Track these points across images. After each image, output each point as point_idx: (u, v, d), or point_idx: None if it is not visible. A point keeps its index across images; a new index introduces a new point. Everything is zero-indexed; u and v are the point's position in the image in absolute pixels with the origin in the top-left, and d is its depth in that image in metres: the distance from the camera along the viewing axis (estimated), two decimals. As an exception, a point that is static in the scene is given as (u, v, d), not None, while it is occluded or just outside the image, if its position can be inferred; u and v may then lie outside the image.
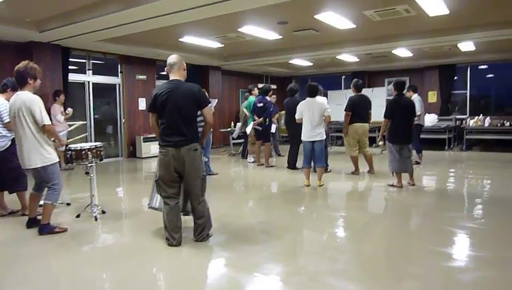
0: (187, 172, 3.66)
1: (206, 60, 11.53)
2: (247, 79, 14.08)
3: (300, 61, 12.61)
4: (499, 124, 10.85)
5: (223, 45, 9.53)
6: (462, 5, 6.83)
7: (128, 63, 10.49)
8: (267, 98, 8.44)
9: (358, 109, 7.08)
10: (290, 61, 12.44)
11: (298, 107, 6.32)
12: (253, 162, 9.11)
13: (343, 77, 15.05)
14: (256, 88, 9.21)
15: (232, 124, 10.93)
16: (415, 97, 8.18)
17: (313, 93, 6.28)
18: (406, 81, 9.36)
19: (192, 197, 3.80)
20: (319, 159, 6.37)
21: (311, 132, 6.21)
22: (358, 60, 12.26)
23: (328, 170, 7.62)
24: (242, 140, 10.08)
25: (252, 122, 8.49)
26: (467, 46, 10.22)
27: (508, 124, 10.68)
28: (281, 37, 8.72)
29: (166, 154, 3.65)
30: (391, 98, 6.20)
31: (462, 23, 8.14)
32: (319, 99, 6.56)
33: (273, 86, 14.20)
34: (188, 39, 8.82)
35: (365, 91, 11.20)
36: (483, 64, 12.80)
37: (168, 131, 3.65)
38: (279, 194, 6.22)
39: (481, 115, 11.32)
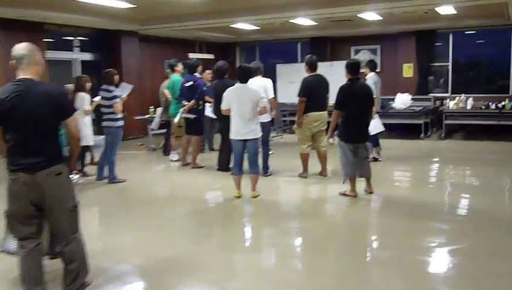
0: (49, 204, 3.39)
1: (116, 24, 11.17)
2: (175, 47, 13.77)
3: (244, 25, 12.49)
4: (483, 106, 11.20)
5: (135, 6, 9.15)
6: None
7: (7, 29, 9.84)
8: (196, 74, 8.33)
9: (315, 94, 7.10)
10: (232, 25, 12.29)
11: (225, 95, 6.21)
12: (176, 160, 9.05)
13: (299, 44, 15.12)
14: (180, 63, 9.03)
15: (152, 110, 10.59)
16: (370, 77, 8.28)
17: (244, 77, 6.18)
18: (364, 61, 9.48)
19: (59, 236, 3.54)
20: (253, 163, 6.32)
21: (242, 128, 6.13)
22: (316, 23, 12.22)
23: (268, 173, 7.65)
24: (164, 130, 9.81)
25: (181, 110, 8.30)
26: (446, 9, 10.39)
27: (493, 106, 11.03)
28: (207, -3, 8.50)
29: (16, 182, 3.35)
30: (344, 83, 6.18)
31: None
32: (254, 84, 6.53)
33: (209, 56, 14.15)
34: (86, -3, 8.43)
35: (322, 67, 11.53)
36: (469, 30, 13.16)
37: (18, 150, 3.34)
38: (199, 212, 6.11)
39: (462, 94, 11.61)
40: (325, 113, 7.28)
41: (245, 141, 6.18)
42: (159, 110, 9.87)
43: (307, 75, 7.26)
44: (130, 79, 12.05)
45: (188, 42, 14.33)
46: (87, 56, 11.94)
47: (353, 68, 6.17)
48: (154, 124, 9.88)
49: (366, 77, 8.21)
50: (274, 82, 12.39)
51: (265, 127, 7.19)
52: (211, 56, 14.33)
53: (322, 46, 14.18)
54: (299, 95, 7.12)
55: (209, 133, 9.89)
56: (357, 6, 9.60)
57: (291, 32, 13.58)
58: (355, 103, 6.05)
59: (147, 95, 12.65)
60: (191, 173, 8.17)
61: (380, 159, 8.62)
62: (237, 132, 6.17)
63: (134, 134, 12.38)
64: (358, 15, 10.91)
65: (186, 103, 8.18)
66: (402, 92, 11.92)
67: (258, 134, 6.24)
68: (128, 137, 11.97)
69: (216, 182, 7.42)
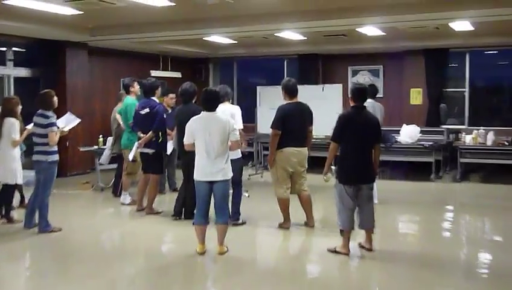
0: None
1: (59, 33, 11.08)
2: (134, 63, 13.73)
3: (218, 38, 12.55)
4: (507, 142, 11.21)
5: (81, 12, 9.10)
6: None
7: None
8: (155, 99, 8.29)
9: (292, 125, 7.11)
10: (205, 38, 12.36)
11: (188, 126, 6.15)
12: (129, 203, 8.98)
13: (286, 61, 15.22)
14: (136, 83, 9.02)
15: (101, 140, 10.45)
16: (369, 104, 8.22)
17: (210, 103, 6.11)
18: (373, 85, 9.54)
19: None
20: (221, 211, 6.21)
21: (209, 167, 6.04)
22: (305, 38, 12.29)
23: (240, 221, 7.56)
24: (115, 165, 9.72)
25: (136, 143, 8.27)
26: (461, 25, 10.48)
27: (518, 141, 11.07)
28: (172, 4, 8.44)
29: None
30: (345, 111, 6.32)
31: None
32: (222, 113, 6.55)
33: (175, 74, 14.18)
34: (18, 1, 8.30)
35: (311, 91, 11.61)
36: (489, 50, 13.31)
37: None
38: (153, 271, 5.91)
39: (481, 127, 11.62)
40: (304, 149, 7.26)
41: (212, 182, 6.07)
42: (110, 140, 9.79)
43: (284, 103, 7.31)
44: (76, 101, 12.12)
45: (150, 57, 14.33)
46: (23, 72, 11.79)
47: (359, 95, 6.17)
48: (104, 158, 9.78)
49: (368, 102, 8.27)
50: (254, 107, 12.68)
51: (237, 165, 7.17)
52: (177, 74, 14.41)
53: (312, 65, 14.31)
54: (272, 126, 7.13)
55: (169, 167, 9.73)
56: (354, 19, 9.61)
57: (276, 47, 13.65)
58: (357, 134, 6.04)
59: (96, 120, 12.50)
60: (145, 220, 8.08)
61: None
62: (202, 171, 6.06)
63: (79, 169, 12.26)
64: (356, 29, 10.99)
65: (142, 135, 8.10)
66: (409, 123, 11.92)
67: (228, 174, 6.13)
68: (71, 173, 11.96)
69: (176, 233, 7.33)
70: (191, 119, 6.15)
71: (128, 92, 9.02)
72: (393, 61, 13.77)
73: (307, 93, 11.82)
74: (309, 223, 7.43)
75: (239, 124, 7.29)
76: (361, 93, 6.20)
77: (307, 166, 7.36)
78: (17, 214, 7.90)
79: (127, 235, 7.57)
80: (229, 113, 7.18)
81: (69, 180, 11.25)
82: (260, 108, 12.33)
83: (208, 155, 5.99)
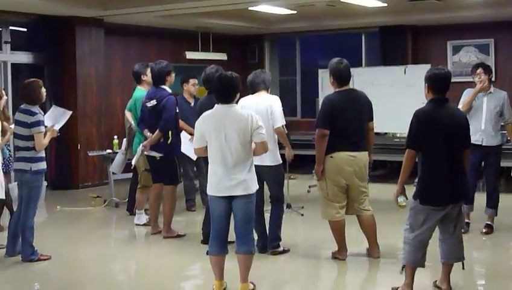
0: None
1: (65, 7, 11.31)
2: (165, 43, 14.01)
3: (270, 8, 12.51)
4: None
5: None
6: None
7: None
8: (165, 88, 8.40)
9: (345, 122, 7.03)
10: (251, 8, 12.40)
11: (197, 125, 6.13)
12: (145, 224, 9.11)
13: (363, 36, 15.21)
14: (149, 70, 9.04)
15: (116, 141, 10.70)
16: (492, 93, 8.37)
17: (224, 93, 6.03)
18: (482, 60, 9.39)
19: None
20: (244, 236, 6.08)
21: (226, 179, 5.95)
22: (385, 4, 12.14)
23: (280, 249, 7.50)
24: (130, 175, 9.94)
25: (141, 145, 8.40)
26: None
27: None
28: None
29: None
30: (423, 106, 6.08)
31: None
32: (257, 105, 6.91)
33: (220, 56, 14.24)
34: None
35: (392, 73, 12.01)
36: None
37: None
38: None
39: None
40: (363, 154, 7.11)
41: (230, 198, 5.99)
42: (124, 144, 9.95)
43: (331, 92, 7.28)
44: (90, 94, 12.34)
45: (185, 35, 14.53)
46: (22, 57, 12.11)
47: (438, 83, 5.96)
48: (115, 165, 9.96)
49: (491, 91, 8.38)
50: (315, 97, 12.53)
51: (275, 174, 7.34)
52: (222, 56, 14.51)
53: (398, 41, 14.24)
54: (317, 124, 7.07)
55: (200, 175, 9.86)
56: None
57: (348, 18, 13.71)
58: (442, 138, 5.85)
59: (116, 119, 12.68)
60: (163, 247, 8.13)
61: (467, 228, 8.31)
62: (218, 184, 5.98)
63: (94, 179, 12.54)
64: None
65: (149, 134, 8.19)
66: None
67: (253, 188, 6.01)
68: (84, 184, 12.22)
69: (197, 263, 7.31)
70: (201, 116, 6.11)
71: (139, 82, 9.15)
72: (508, 34, 13.54)
73: (384, 77, 11.88)
74: (372, 254, 7.29)
75: (278, 121, 7.32)
76: (443, 80, 5.95)
77: (368, 177, 7.20)
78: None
79: (135, 269, 7.65)
80: (265, 105, 7.26)
81: (80, 194, 11.66)
82: (322, 98, 12.18)
83: (224, 163, 5.89)
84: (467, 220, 8.33)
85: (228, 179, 5.90)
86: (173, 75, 8.52)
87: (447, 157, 5.85)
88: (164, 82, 8.32)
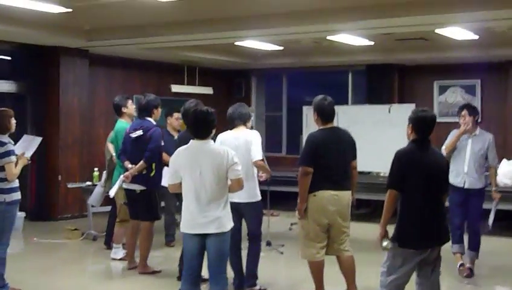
0: None
1: (49, 37, 11.36)
2: (151, 75, 14.06)
3: (256, 44, 12.59)
4: None
5: (69, 9, 9.28)
6: None
7: None
8: (151, 120, 8.41)
9: (328, 160, 6.97)
10: (237, 43, 12.51)
11: (171, 161, 6.11)
12: (121, 259, 9.04)
13: (351, 74, 15.29)
14: (130, 101, 9.16)
15: (96, 174, 10.67)
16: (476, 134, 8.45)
17: (200, 129, 6.02)
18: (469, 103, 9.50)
19: None
20: (217, 275, 6.01)
21: (200, 216, 5.90)
22: (372, 43, 12.22)
23: (257, 287, 7.40)
24: (109, 208, 9.91)
25: (121, 177, 8.35)
26: None
27: None
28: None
29: None
30: (404, 147, 6.04)
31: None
32: (235, 139, 7.00)
33: (205, 90, 14.25)
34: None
35: (374, 113, 11.95)
36: None
37: None
38: None
39: None
40: (346, 194, 7.02)
41: (204, 236, 5.92)
42: (104, 176, 9.92)
43: (315, 130, 7.21)
44: (72, 124, 12.36)
45: (171, 68, 14.60)
46: (5, 86, 12.04)
47: (423, 125, 5.91)
48: (93, 198, 9.88)
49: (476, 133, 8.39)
50: (300, 134, 12.48)
51: (254, 210, 7.31)
52: (208, 90, 14.56)
53: (385, 79, 14.28)
54: (301, 162, 6.99)
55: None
56: (430, 16, 9.43)
57: (334, 55, 13.76)
58: (423, 179, 5.78)
59: (97, 149, 12.52)
60: (137, 282, 8.06)
61: (471, 273, 8.36)
62: (190, 221, 5.92)
63: (74, 211, 12.45)
64: (436, 31, 10.79)
65: (131, 165, 8.15)
66: (508, 158, 11.75)
67: (227, 225, 5.95)
68: (63, 215, 12.08)
69: None
70: (176, 151, 6.06)
71: (120, 114, 9.08)
72: (494, 75, 13.63)
73: (368, 116, 11.86)
74: None
75: (257, 154, 7.29)
76: (428, 123, 5.90)
77: (349, 217, 7.10)
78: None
79: None
80: (244, 140, 7.24)
81: (59, 225, 11.53)
82: (307, 134, 12.13)
83: (197, 199, 5.84)
84: (469, 265, 8.38)
85: (202, 216, 5.85)
86: (160, 109, 8.55)
87: (426, 199, 5.79)
88: (151, 114, 8.34)
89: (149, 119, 8.31)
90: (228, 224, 5.93)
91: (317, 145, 6.96)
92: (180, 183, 5.97)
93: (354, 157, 7.15)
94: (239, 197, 6.79)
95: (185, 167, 5.89)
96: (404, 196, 5.81)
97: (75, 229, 10.72)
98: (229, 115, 7.43)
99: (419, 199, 5.79)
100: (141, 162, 8.05)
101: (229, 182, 5.91)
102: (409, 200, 5.80)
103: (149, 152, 8.07)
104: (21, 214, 10.89)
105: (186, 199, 5.94)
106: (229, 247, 6.13)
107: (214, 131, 6.17)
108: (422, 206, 5.78)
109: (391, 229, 5.76)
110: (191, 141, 6.03)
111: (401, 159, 5.81)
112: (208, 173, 5.81)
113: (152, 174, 8.17)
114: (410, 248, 5.72)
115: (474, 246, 8.38)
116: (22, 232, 10.89)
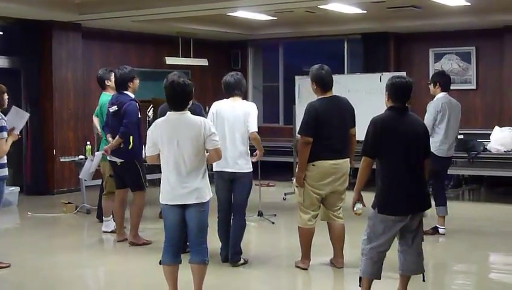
0: None
1: (41, 11, 11.33)
2: (146, 48, 14.04)
3: (249, 14, 12.57)
4: None
5: None
6: None
7: None
8: (128, 93, 8.42)
9: (328, 129, 7.01)
10: (231, 13, 12.48)
11: (149, 133, 6.06)
12: (112, 231, 9.08)
13: (346, 42, 15.28)
14: (113, 74, 9.06)
15: (88, 147, 10.65)
16: (442, 100, 8.50)
17: (178, 101, 5.98)
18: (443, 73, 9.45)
19: None
20: (197, 246, 6.01)
21: (179, 187, 5.89)
22: (365, 11, 12.23)
23: (240, 261, 7.41)
24: (99, 183, 9.96)
25: (102, 149, 8.52)
26: None
27: None
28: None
29: None
30: (380, 114, 5.99)
31: None
32: (233, 110, 7.07)
33: (200, 62, 14.20)
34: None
35: (369, 81, 12.00)
36: None
37: None
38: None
39: None
40: (345, 162, 7.07)
41: (184, 207, 5.91)
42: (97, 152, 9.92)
43: (314, 99, 7.15)
44: (67, 98, 12.34)
45: (166, 40, 14.55)
46: (-2, 61, 12.04)
47: (398, 92, 5.88)
48: (84, 172, 9.83)
49: (435, 99, 8.62)
50: (293, 104, 12.45)
51: (243, 182, 7.27)
52: (203, 62, 14.51)
53: (381, 48, 14.27)
54: (301, 132, 7.03)
55: None
56: None
57: (329, 25, 13.76)
58: (401, 147, 5.78)
59: (91, 123, 12.36)
60: (129, 255, 8.08)
61: (443, 230, 8.50)
62: (170, 193, 5.90)
63: (70, 184, 12.48)
64: None
65: (111, 139, 8.24)
66: (504, 126, 11.69)
67: (206, 196, 5.95)
68: (59, 189, 12.18)
69: (159, 272, 6.93)
70: (154, 123, 6.05)
71: (104, 87, 9.12)
72: (489, 42, 13.58)
73: (362, 85, 11.77)
74: (336, 263, 7.25)
75: (254, 125, 7.31)
76: (403, 89, 5.88)
77: (347, 184, 7.15)
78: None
79: (98, 277, 7.64)
80: (242, 112, 7.25)
81: (55, 200, 11.64)
82: (300, 105, 12.06)
83: (177, 171, 5.83)
84: (439, 226, 8.62)
85: (181, 187, 5.85)
86: (137, 81, 8.51)
87: (406, 166, 5.78)
88: (127, 88, 8.32)
89: (126, 92, 8.32)
90: (207, 194, 5.94)
91: (317, 115, 6.98)
92: (159, 155, 5.95)
93: (353, 125, 7.17)
94: (232, 167, 6.95)
95: (162, 139, 5.86)
96: (382, 162, 5.83)
97: (69, 203, 10.78)
98: (226, 83, 7.34)
99: (397, 165, 5.80)
100: (117, 137, 8.11)
101: (207, 153, 5.90)
102: (387, 167, 5.83)
103: (123, 127, 8.14)
104: (15, 189, 10.99)
105: (165, 170, 5.93)
106: (207, 217, 6.10)
107: (190, 102, 6.12)
108: (401, 173, 5.79)
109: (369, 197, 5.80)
110: (168, 112, 6.00)
111: (376, 126, 5.80)
112: (186, 144, 5.79)
113: (130, 146, 8.18)
114: (389, 214, 5.73)
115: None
116: (17, 207, 10.98)
